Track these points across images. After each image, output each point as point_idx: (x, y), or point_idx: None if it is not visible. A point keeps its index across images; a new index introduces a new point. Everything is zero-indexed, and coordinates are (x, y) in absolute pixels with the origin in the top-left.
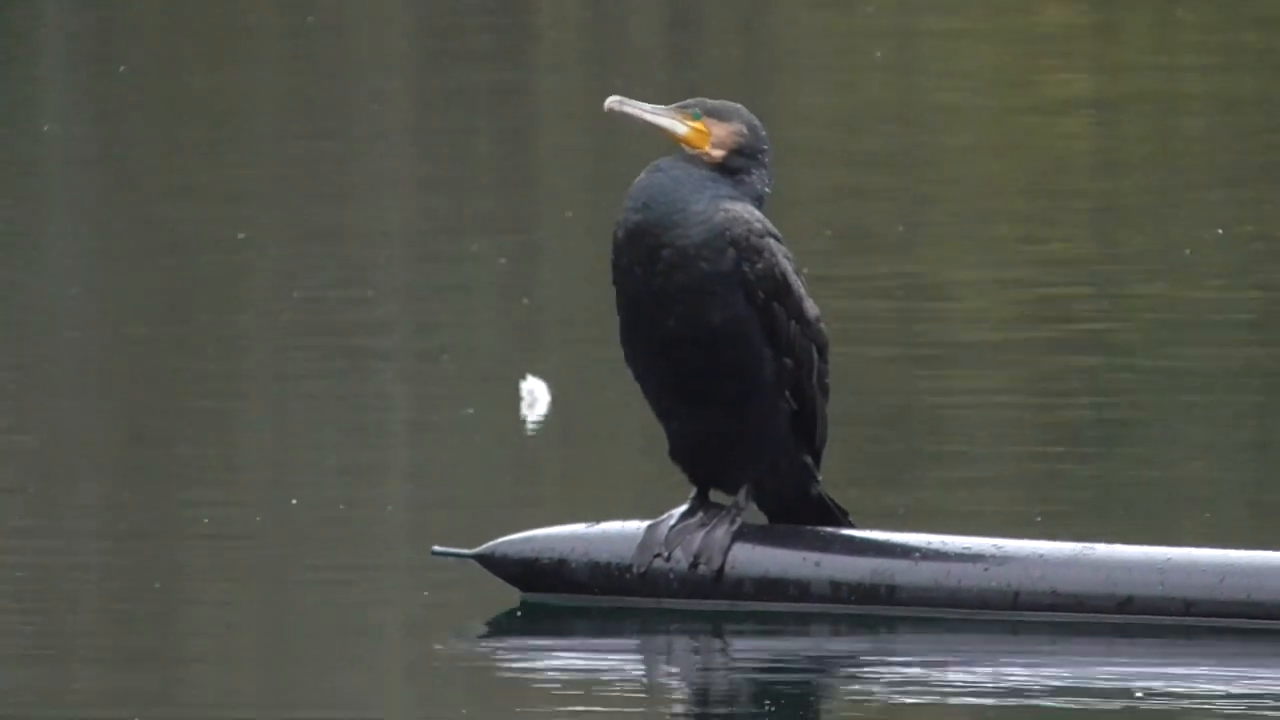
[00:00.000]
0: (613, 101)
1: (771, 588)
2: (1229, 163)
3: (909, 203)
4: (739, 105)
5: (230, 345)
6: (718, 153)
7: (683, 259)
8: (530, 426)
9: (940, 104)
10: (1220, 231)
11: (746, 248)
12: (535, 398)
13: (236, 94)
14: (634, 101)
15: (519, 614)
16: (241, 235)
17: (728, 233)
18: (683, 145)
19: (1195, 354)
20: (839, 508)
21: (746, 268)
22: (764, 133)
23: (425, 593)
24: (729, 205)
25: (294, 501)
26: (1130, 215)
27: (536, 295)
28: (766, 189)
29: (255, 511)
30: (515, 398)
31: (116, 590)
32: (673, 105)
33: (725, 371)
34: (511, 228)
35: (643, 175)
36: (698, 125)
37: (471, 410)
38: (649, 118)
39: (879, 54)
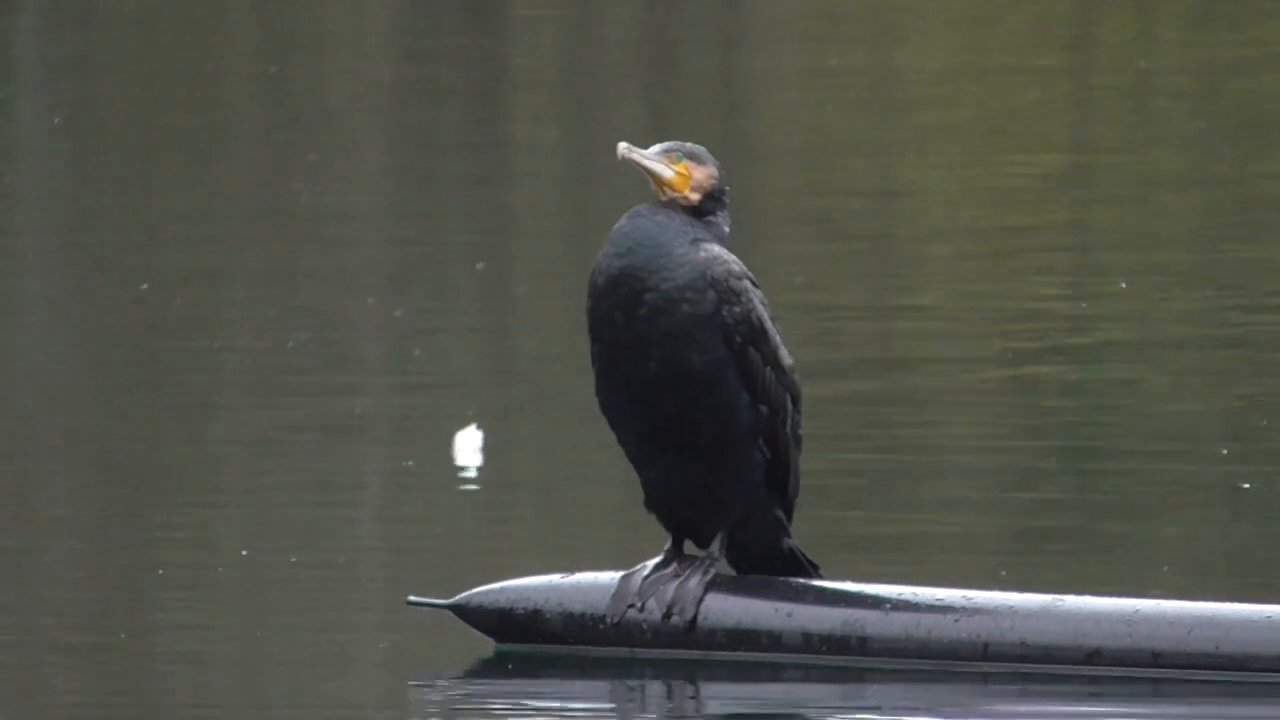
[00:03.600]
0: (623, 149)
1: (744, 638)
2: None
3: (883, 239)
4: (704, 148)
5: (193, 400)
6: (695, 196)
7: (665, 302)
8: (472, 477)
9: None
10: (1124, 285)
11: (725, 290)
12: (463, 447)
13: (203, 143)
14: (638, 149)
15: (493, 664)
16: (144, 286)
17: (708, 273)
18: (665, 188)
19: (1165, 405)
20: (810, 561)
21: (725, 311)
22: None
23: (382, 644)
24: (708, 246)
25: (244, 552)
26: (1104, 255)
27: (432, 345)
28: (728, 229)
29: (219, 564)
30: (453, 449)
31: (82, 640)
32: (659, 148)
33: (702, 416)
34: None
35: (623, 220)
36: (680, 168)
37: (411, 463)
38: (648, 164)
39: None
